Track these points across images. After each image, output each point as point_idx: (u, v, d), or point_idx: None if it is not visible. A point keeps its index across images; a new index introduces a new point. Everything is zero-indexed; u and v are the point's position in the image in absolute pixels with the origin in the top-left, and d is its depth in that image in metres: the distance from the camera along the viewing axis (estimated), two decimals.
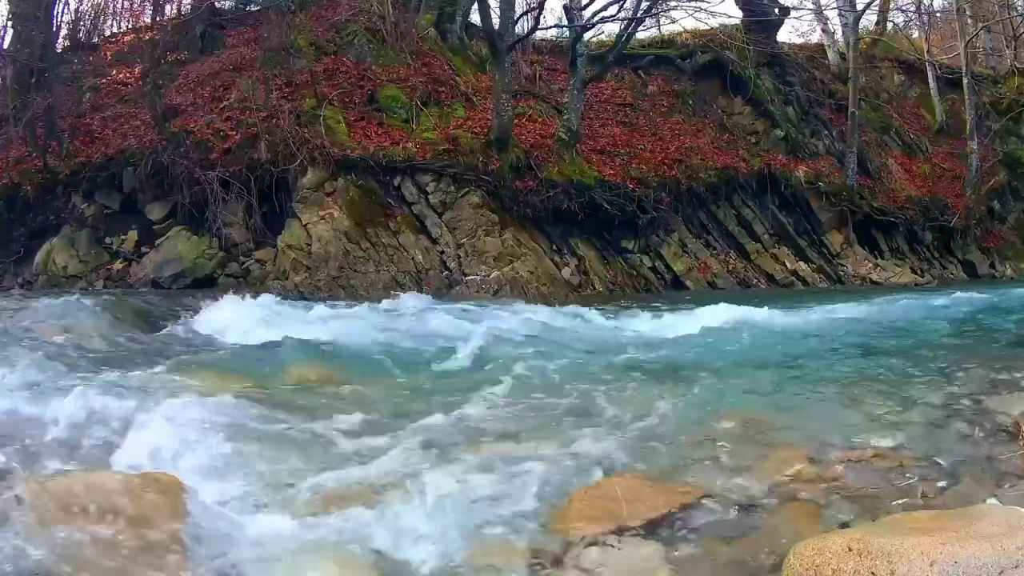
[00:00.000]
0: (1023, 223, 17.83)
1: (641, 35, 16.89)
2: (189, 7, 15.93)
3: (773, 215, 14.34)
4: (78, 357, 5.41)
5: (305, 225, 10.48)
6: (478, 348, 6.26)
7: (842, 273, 14.43)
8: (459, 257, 10.77)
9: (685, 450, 3.67)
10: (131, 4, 17.01)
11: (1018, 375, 4.85)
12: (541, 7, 16.77)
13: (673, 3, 15.24)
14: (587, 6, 14.03)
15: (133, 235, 11.08)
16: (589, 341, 6.91)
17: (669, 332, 7.43)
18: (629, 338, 7.23)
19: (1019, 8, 20.52)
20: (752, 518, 2.90)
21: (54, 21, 13.25)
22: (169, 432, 3.64)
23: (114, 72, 13.47)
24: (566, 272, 11.85)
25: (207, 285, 10.32)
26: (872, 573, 2.17)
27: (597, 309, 9.38)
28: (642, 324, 7.95)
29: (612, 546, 2.71)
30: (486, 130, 11.83)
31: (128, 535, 2.48)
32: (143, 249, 10.96)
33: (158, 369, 5.17)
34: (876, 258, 15.09)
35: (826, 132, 16.45)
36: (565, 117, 12.99)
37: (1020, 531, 2.27)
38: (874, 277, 14.48)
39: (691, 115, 15.89)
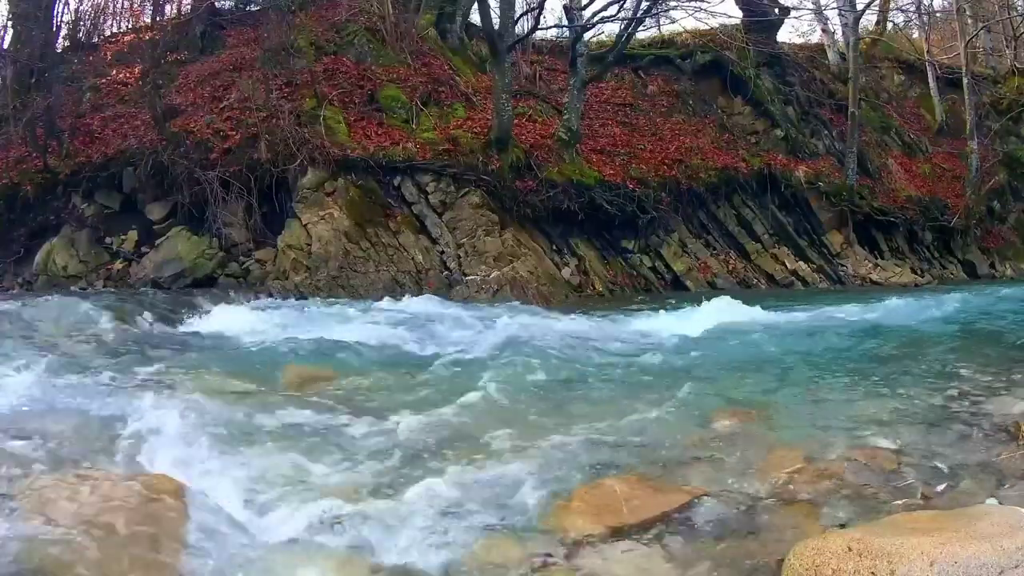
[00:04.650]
0: (1023, 223, 17.82)
1: (641, 35, 16.89)
2: (189, 7, 15.91)
3: (773, 215, 14.34)
4: (77, 357, 5.41)
5: (305, 225, 10.48)
6: (477, 348, 6.26)
7: (842, 273, 14.43)
8: (459, 257, 10.77)
9: (685, 450, 3.67)
10: (131, 4, 16.98)
11: (1017, 376, 4.85)
12: (541, 7, 16.76)
13: (673, 3, 15.21)
14: (587, 6, 14.03)
15: (133, 235, 11.07)
16: (589, 341, 6.91)
17: (669, 332, 7.43)
18: (629, 338, 7.23)
19: (1019, 8, 20.51)
20: (752, 518, 2.90)
21: (54, 21, 13.23)
22: (169, 432, 3.65)
23: (114, 72, 13.45)
24: (566, 272, 11.85)
25: (207, 285, 10.32)
26: (872, 573, 2.17)
27: (597, 309, 9.39)
28: (642, 324, 7.95)
29: (612, 546, 2.71)
30: (486, 130, 11.83)
31: (129, 535, 2.48)
32: (143, 249, 10.95)
33: (158, 369, 5.17)
34: (876, 258, 15.09)
35: (826, 132, 16.44)
36: (565, 117, 12.98)
37: (1020, 531, 2.27)
38: (874, 277, 14.47)
39: (691, 115, 15.89)
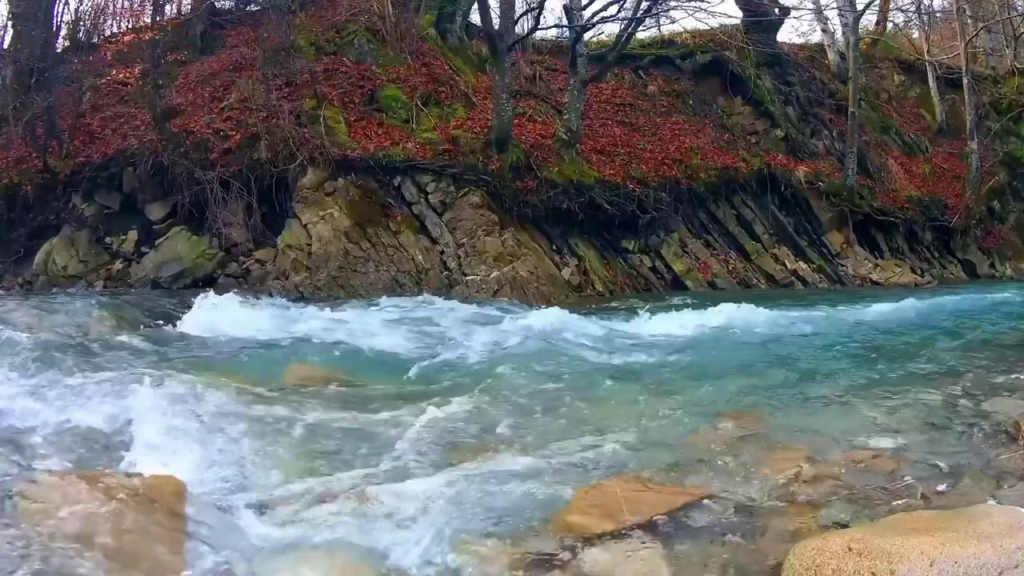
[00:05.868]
0: (1023, 223, 17.83)
1: (641, 35, 16.89)
2: (189, 7, 15.91)
3: (773, 215, 14.34)
4: (78, 357, 5.40)
5: (305, 225, 10.47)
6: (477, 349, 6.26)
7: (842, 273, 14.43)
8: (459, 257, 10.77)
9: (685, 451, 3.67)
10: (131, 4, 16.99)
11: (1017, 376, 4.85)
12: (541, 7, 16.78)
13: (673, 3, 15.19)
14: (587, 6, 14.04)
15: (133, 235, 11.07)
16: (588, 342, 6.90)
17: (669, 333, 7.42)
18: (629, 339, 7.23)
19: (1019, 8, 20.52)
20: (752, 518, 2.90)
21: (54, 21, 13.23)
22: (169, 432, 3.65)
23: (114, 72, 13.44)
24: (566, 272, 11.85)
25: (207, 285, 10.29)
26: (872, 573, 2.17)
27: (597, 309, 9.38)
28: (642, 325, 7.94)
29: (612, 546, 2.71)
30: (486, 130, 11.82)
31: (127, 535, 2.48)
32: (143, 249, 10.95)
33: (158, 369, 5.16)
34: (876, 258, 15.09)
35: (826, 132, 16.44)
36: (565, 117, 12.98)
37: (1020, 531, 2.27)
38: (874, 277, 14.47)
39: (691, 115, 15.88)
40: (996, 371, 5.09)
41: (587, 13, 13.96)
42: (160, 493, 2.72)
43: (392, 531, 2.79)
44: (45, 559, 2.32)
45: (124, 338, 6.39)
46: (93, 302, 7.67)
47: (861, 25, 17.69)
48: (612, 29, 16.54)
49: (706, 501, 3.02)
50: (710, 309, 8.49)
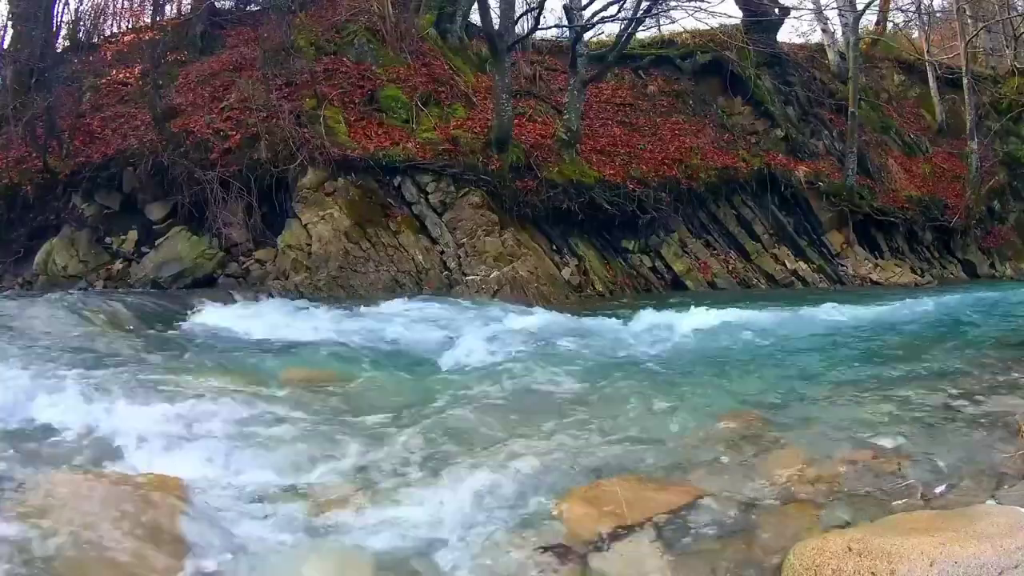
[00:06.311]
0: (1023, 223, 17.83)
1: (641, 35, 16.89)
2: (189, 7, 15.92)
3: (773, 215, 14.34)
4: (78, 357, 5.41)
5: (305, 225, 10.47)
6: (477, 349, 6.26)
7: (842, 273, 14.43)
8: (459, 257, 10.77)
9: (685, 450, 3.67)
10: (131, 4, 16.99)
11: (1017, 375, 4.85)
12: (541, 7, 16.76)
13: (673, 3, 15.19)
14: (587, 6, 14.03)
15: (133, 235, 11.07)
16: (588, 342, 6.91)
17: (668, 333, 7.43)
18: (629, 339, 7.23)
19: (1019, 8, 20.53)
20: (752, 518, 2.90)
21: (54, 21, 13.23)
22: (169, 432, 3.65)
23: (114, 72, 13.44)
24: (566, 272, 11.85)
25: (207, 285, 10.31)
26: (872, 573, 2.17)
27: (597, 309, 9.38)
28: (641, 325, 7.94)
29: (612, 545, 2.71)
30: (486, 130, 11.82)
31: (128, 534, 2.48)
32: (143, 249, 10.95)
33: (158, 369, 5.17)
34: (876, 258, 15.09)
35: (826, 132, 16.44)
36: (565, 117, 12.98)
37: (1020, 531, 2.27)
38: (874, 277, 14.47)
39: (691, 115, 15.87)
40: (996, 371, 5.09)
41: (587, 13, 13.98)
42: (160, 492, 2.72)
43: (391, 531, 2.79)
44: (48, 558, 2.32)
45: (123, 339, 6.39)
46: (93, 302, 7.66)
47: (861, 25, 17.70)
48: (612, 29, 16.57)
49: (706, 501, 3.02)
50: (710, 309, 8.49)
